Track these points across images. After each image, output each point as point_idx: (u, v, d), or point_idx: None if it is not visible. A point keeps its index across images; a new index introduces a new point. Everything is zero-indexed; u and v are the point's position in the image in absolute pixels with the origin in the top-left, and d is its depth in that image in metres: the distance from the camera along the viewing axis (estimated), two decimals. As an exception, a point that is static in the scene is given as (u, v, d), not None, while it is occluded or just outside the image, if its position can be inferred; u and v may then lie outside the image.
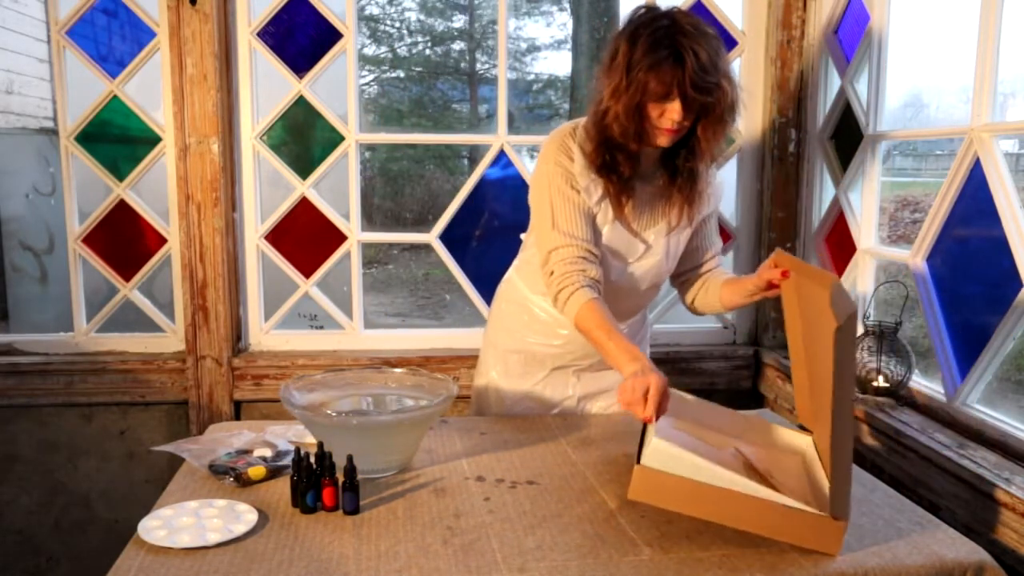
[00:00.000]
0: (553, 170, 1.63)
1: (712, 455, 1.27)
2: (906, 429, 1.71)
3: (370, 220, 8.25)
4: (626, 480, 1.42)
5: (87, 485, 2.36)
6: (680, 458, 1.20)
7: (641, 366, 1.40)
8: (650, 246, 1.68)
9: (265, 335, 2.42)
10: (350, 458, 1.28)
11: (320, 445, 1.31)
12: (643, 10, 1.55)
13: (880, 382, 1.90)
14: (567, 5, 9.84)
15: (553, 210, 1.61)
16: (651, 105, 1.51)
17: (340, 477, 1.28)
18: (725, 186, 2.46)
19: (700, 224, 1.74)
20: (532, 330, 1.79)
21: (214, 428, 1.68)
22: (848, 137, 2.19)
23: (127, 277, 2.37)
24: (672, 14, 1.51)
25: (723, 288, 1.70)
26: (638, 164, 1.62)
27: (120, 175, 2.33)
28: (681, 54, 1.46)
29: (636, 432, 1.65)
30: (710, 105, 1.51)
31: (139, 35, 2.27)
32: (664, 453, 1.21)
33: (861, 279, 2.11)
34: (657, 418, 1.34)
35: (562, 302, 1.57)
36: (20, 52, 5.53)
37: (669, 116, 1.51)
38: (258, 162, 2.37)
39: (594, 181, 1.61)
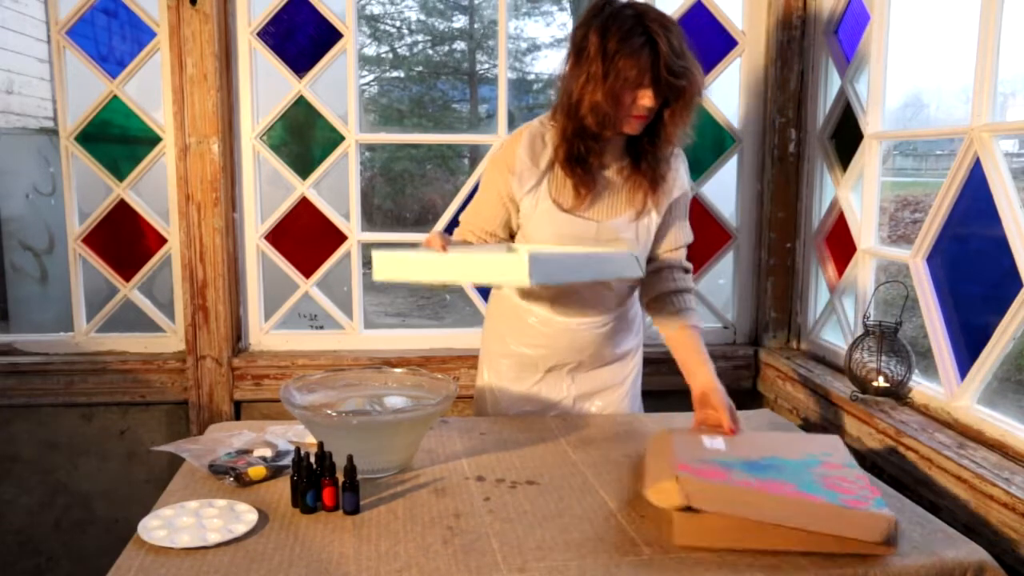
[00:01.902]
0: (496, 158, 1.74)
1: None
2: (906, 429, 1.71)
3: (370, 220, 8.26)
4: (626, 480, 1.43)
5: (87, 485, 2.36)
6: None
7: (440, 233, 1.52)
8: (617, 234, 1.69)
9: (265, 335, 2.42)
10: (350, 458, 1.28)
11: (320, 445, 1.31)
12: (604, 2, 1.59)
13: (880, 382, 1.90)
14: (567, 5, 9.85)
15: (475, 198, 1.76)
16: (626, 93, 1.55)
17: (340, 477, 1.28)
18: (725, 185, 2.50)
19: (669, 209, 1.75)
20: (520, 335, 1.79)
21: (214, 428, 1.68)
22: (848, 137, 2.19)
23: (127, 277, 2.37)
24: (634, 4, 1.56)
25: (676, 338, 1.71)
26: (604, 154, 1.66)
27: (120, 175, 2.33)
28: (655, 40, 1.51)
29: (636, 432, 1.65)
30: (681, 89, 1.55)
31: (139, 35, 2.27)
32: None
33: (861, 279, 2.11)
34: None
35: None
36: (20, 52, 5.53)
37: (641, 103, 1.55)
38: (258, 162, 2.37)
39: (529, 171, 1.67)
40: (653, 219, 1.72)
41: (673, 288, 1.75)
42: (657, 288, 1.76)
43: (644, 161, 1.67)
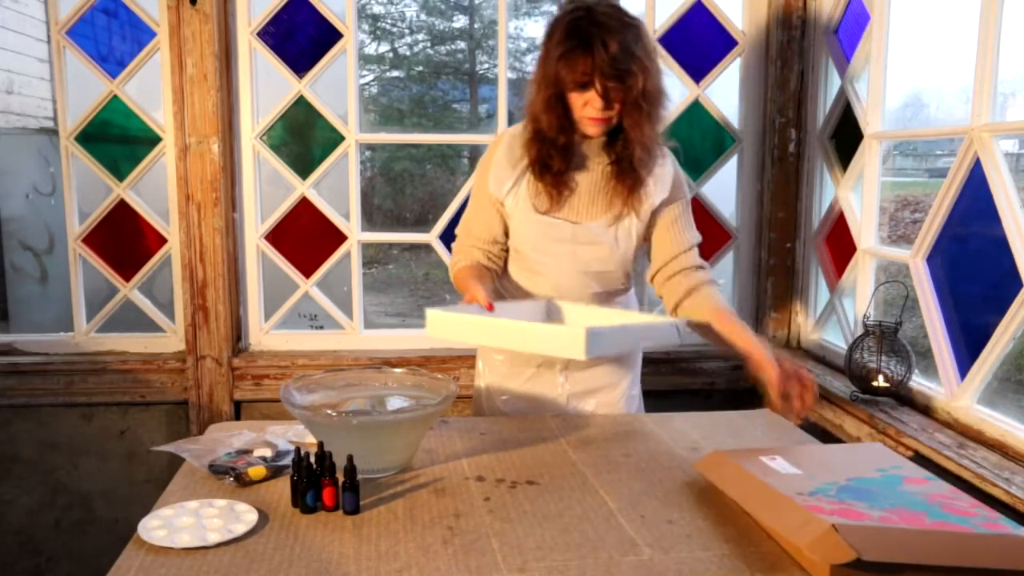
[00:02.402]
0: (479, 166, 1.76)
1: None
2: (906, 429, 1.71)
3: (370, 220, 8.26)
4: (626, 480, 1.43)
5: (87, 485, 2.36)
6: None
7: (479, 288, 1.57)
8: (595, 237, 1.69)
9: (265, 335, 2.42)
10: (350, 458, 1.28)
11: (320, 445, 1.31)
12: (564, 4, 1.60)
13: (880, 382, 1.90)
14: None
15: (469, 206, 1.78)
16: (573, 96, 1.56)
17: (340, 477, 1.28)
18: (724, 185, 2.50)
19: (662, 215, 1.72)
20: None
21: (214, 428, 1.68)
22: (848, 137, 2.19)
23: (127, 277, 2.37)
24: (589, 5, 1.55)
25: (715, 316, 1.67)
26: (573, 156, 1.66)
27: (120, 175, 2.33)
28: (590, 43, 1.50)
29: (636, 432, 1.65)
30: (625, 92, 1.54)
31: (139, 35, 2.27)
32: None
33: (861, 279, 2.12)
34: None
35: (451, 275, 1.77)
36: (20, 52, 5.53)
37: (592, 105, 1.56)
38: (258, 162, 2.37)
39: (506, 172, 1.69)
40: (634, 224, 1.70)
41: (688, 288, 1.71)
42: (676, 295, 1.72)
43: (619, 165, 1.66)
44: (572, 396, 1.80)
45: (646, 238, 1.75)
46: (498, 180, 1.70)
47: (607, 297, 1.78)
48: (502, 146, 1.71)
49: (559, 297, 1.72)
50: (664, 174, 1.71)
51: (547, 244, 1.70)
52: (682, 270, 1.73)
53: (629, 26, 1.54)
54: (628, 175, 1.65)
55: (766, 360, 1.57)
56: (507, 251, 1.77)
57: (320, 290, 2.44)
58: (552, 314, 1.71)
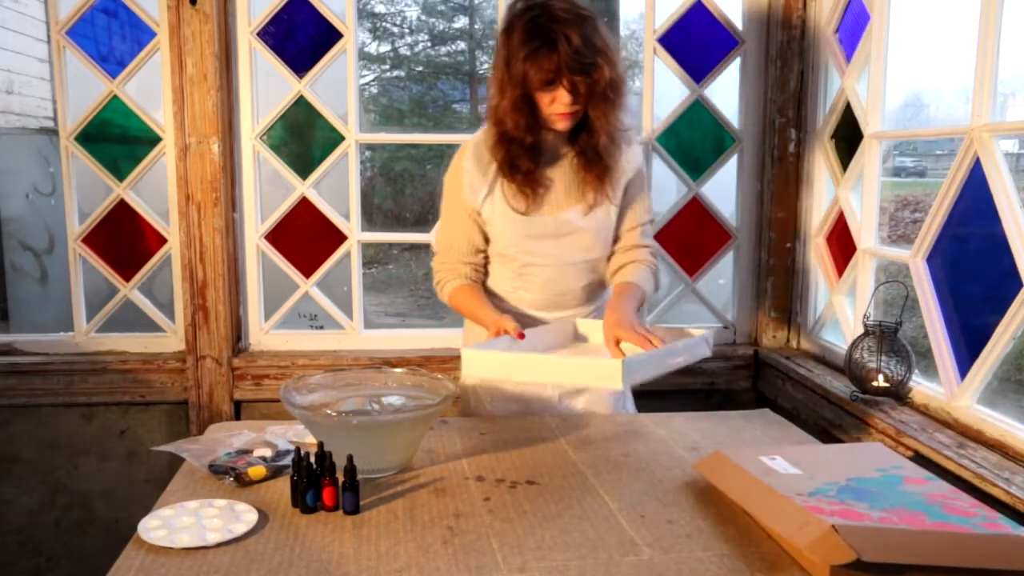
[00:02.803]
0: (448, 179, 1.77)
1: None
2: (906, 429, 1.71)
3: (370, 220, 8.25)
4: (626, 480, 1.43)
5: (87, 485, 2.36)
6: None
7: (500, 316, 1.62)
8: (574, 226, 1.71)
9: (265, 335, 2.42)
10: (350, 458, 1.28)
11: (320, 445, 1.31)
12: (517, 2, 1.60)
13: (880, 382, 1.90)
14: (567, 5, 9.83)
15: (443, 221, 1.80)
16: (539, 94, 1.57)
17: (340, 477, 1.28)
18: (724, 185, 2.50)
19: (627, 193, 1.76)
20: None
21: (214, 428, 1.68)
22: (848, 137, 2.19)
23: (127, 277, 2.37)
24: (545, 3, 1.56)
25: (616, 288, 1.73)
26: (540, 154, 1.67)
27: (120, 175, 2.33)
28: (554, 40, 1.52)
29: (636, 432, 1.65)
30: (592, 84, 1.56)
31: (139, 35, 2.27)
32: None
33: (861, 279, 2.11)
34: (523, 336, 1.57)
35: (440, 292, 1.79)
36: (20, 52, 5.53)
37: (560, 101, 1.57)
38: (258, 162, 2.37)
39: (478, 180, 1.69)
40: (611, 208, 1.74)
41: (621, 263, 1.77)
42: (614, 266, 1.80)
43: (584, 155, 1.68)
44: (564, 395, 1.80)
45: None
46: (472, 189, 1.71)
47: (597, 288, 1.81)
48: (468, 155, 1.72)
49: (557, 300, 1.75)
50: (635, 150, 1.76)
51: (531, 243, 1.72)
52: (630, 247, 1.79)
53: (586, 18, 1.55)
54: (596, 164, 1.68)
55: (612, 310, 1.60)
56: (487, 259, 1.79)
57: (320, 290, 2.44)
58: (577, 334, 1.76)
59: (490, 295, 1.80)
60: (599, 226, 1.73)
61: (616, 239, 1.79)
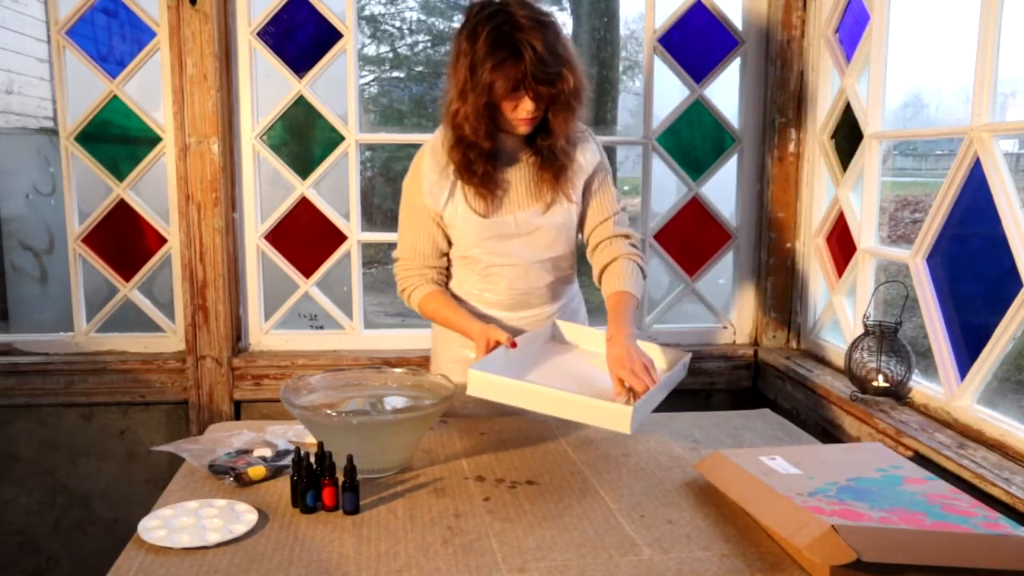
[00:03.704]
0: (407, 184, 1.76)
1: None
2: (906, 429, 1.71)
3: (370, 220, 8.23)
4: (626, 480, 1.43)
5: (87, 485, 2.36)
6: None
7: (486, 326, 1.62)
8: (535, 224, 1.72)
9: (265, 335, 2.42)
10: (350, 458, 1.28)
11: (320, 445, 1.31)
12: (477, 7, 1.59)
13: (880, 382, 1.90)
14: (567, 5, 9.84)
15: (403, 227, 1.77)
16: (504, 102, 1.58)
17: (340, 477, 1.28)
18: (724, 185, 2.50)
19: (588, 189, 1.77)
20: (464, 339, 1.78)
21: (214, 428, 1.68)
22: (848, 137, 2.19)
23: (127, 277, 2.37)
24: (507, 9, 1.55)
25: (610, 299, 1.72)
26: (497, 157, 1.68)
27: (120, 175, 2.33)
28: (520, 50, 1.52)
29: (636, 432, 1.65)
30: (556, 94, 1.57)
31: (139, 35, 2.27)
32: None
33: (861, 279, 2.11)
34: (515, 346, 1.58)
35: (407, 299, 1.78)
36: (20, 52, 5.52)
37: (523, 107, 1.58)
38: (258, 162, 2.37)
39: (438, 184, 1.69)
40: (570, 207, 1.74)
41: (608, 259, 1.77)
42: (599, 265, 1.79)
43: (541, 155, 1.69)
44: None
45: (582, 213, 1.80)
46: (432, 194, 1.71)
47: (561, 285, 1.82)
48: (426, 160, 1.72)
49: (522, 300, 1.77)
50: (591, 148, 1.76)
51: (494, 243, 1.72)
52: (605, 239, 1.79)
53: (547, 24, 1.56)
54: (552, 164, 1.69)
55: (614, 343, 1.56)
56: (450, 262, 1.80)
57: (320, 290, 2.44)
58: (562, 338, 1.79)
59: (454, 299, 1.80)
60: (559, 223, 1.74)
61: (589, 236, 1.80)
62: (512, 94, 1.56)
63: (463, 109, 1.59)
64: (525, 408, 1.43)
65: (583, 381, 1.57)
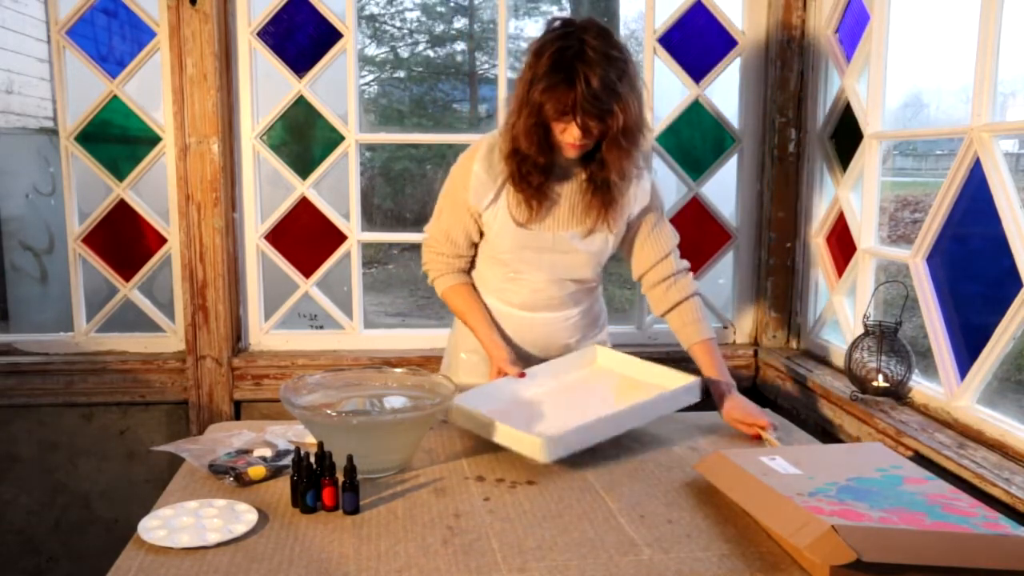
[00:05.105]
0: (456, 172, 1.76)
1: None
2: (906, 429, 1.71)
3: (370, 220, 8.25)
4: (626, 481, 1.43)
5: (87, 485, 2.36)
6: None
7: (501, 356, 1.69)
8: (572, 245, 1.73)
9: (265, 335, 2.42)
10: (350, 458, 1.28)
11: (320, 445, 1.31)
12: (558, 24, 1.59)
13: (880, 382, 1.90)
14: (567, 5, 9.84)
15: (442, 212, 1.79)
16: (553, 123, 1.58)
17: (340, 477, 1.28)
18: (725, 185, 2.49)
19: (641, 224, 1.79)
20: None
21: (214, 428, 1.68)
22: (848, 137, 2.19)
23: (127, 277, 2.37)
24: (581, 36, 1.54)
25: (693, 354, 1.81)
26: (551, 171, 1.68)
27: (120, 175, 2.33)
28: (574, 79, 1.51)
29: (636, 432, 1.65)
30: (604, 129, 1.57)
31: (139, 35, 2.26)
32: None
33: (861, 279, 2.11)
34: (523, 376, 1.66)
35: (430, 281, 1.84)
36: (20, 52, 5.52)
37: (571, 132, 1.57)
38: (258, 162, 2.37)
39: (485, 184, 1.70)
40: (609, 237, 1.75)
41: (676, 300, 1.81)
42: (664, 304, 1.82)
43: (593, 181, 1.69)
44: None
45: (622, 244, 1.82)
46: (477, 194, 1.71)
47: (584, 297, 1.84)
48: (480, 158, 1.72)
49: (543, 303, 1.78)
50: (642, 191, 1.76)
51: (527, 253, 1.74)
52: (666, 278, 1.81)
53: (615, 60, 1.54)
54: (602, 194, 1.69)
55: (724, 400, 1.72)
56: (476, 251, 1.82)
57: (320, 290, 2.44)
58: (592, 363, 1.81)
59: (477, 296, 1.82)
60: (595, 250, 1.75)
61: (648, 272, 1.82)
62: (562, 118, 1.56)
63: (518, 123, 1.60)
64: (498, 441, 1.48)
65: (582, 408, 1.58)
